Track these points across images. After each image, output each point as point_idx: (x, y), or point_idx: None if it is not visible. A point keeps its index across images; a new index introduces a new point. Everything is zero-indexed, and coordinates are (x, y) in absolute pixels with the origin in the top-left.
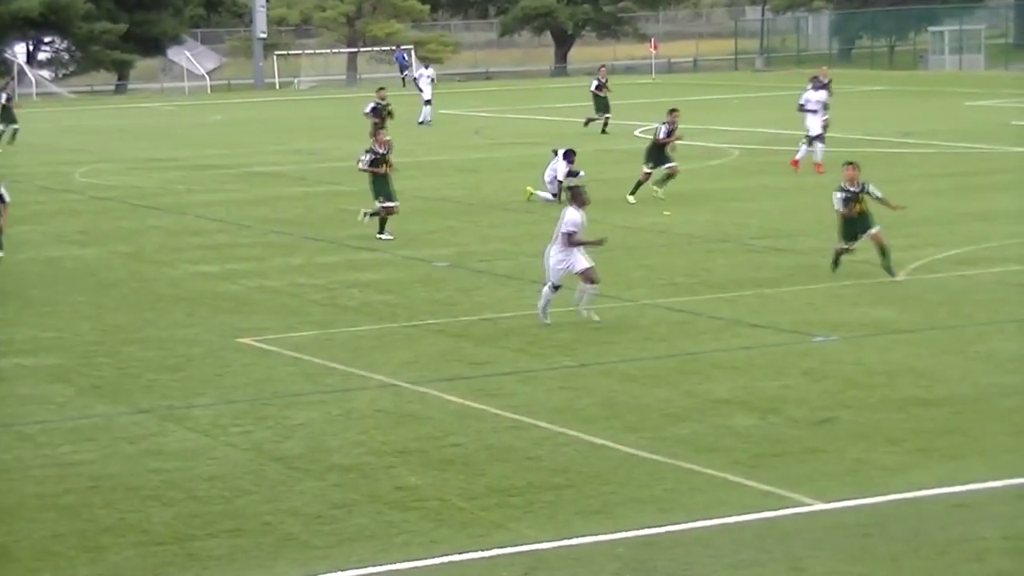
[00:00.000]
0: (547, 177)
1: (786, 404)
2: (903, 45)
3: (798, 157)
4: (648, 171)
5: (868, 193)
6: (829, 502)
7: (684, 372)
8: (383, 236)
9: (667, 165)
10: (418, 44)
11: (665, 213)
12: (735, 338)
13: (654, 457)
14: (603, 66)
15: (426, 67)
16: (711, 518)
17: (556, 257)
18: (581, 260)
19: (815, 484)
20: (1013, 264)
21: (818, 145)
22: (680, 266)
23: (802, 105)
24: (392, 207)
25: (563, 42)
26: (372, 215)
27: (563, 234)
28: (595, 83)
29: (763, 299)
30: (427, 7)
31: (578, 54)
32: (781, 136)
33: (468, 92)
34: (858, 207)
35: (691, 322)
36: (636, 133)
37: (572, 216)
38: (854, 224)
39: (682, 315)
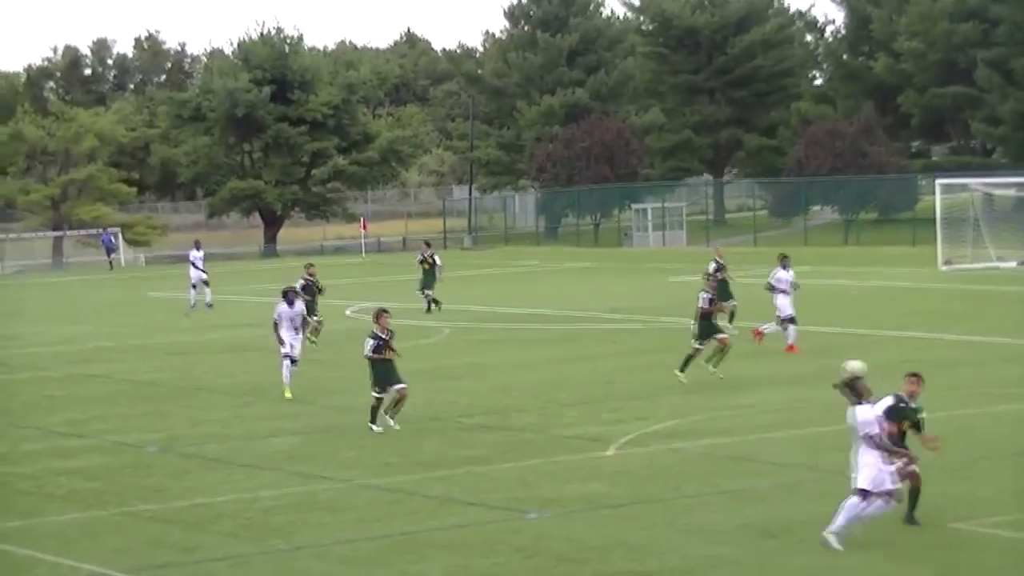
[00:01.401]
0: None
1: None
2: (608, 223)
3: (791, 341)
4: (698, 346)
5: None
6: None
7: (399, 552)
8: (375, 427)
9: (717, 336)
10: (125, 227)
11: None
12: (449, 516)
13: None
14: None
15: (197, 248)
16: None
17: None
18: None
19: None
20: (720, 436)
21: (791, 327)
22: (392, 446)
23: (772, 285)
24: (400, 389)
25: (272, 223)
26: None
27: None
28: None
29: (475, 477)
30: (134, 189)
31: (288, 234)
32: (490, 314)
33: (177, 274)
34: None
35: (405, 501)
36: (347, 313)
37: None
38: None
39: (396, 495)
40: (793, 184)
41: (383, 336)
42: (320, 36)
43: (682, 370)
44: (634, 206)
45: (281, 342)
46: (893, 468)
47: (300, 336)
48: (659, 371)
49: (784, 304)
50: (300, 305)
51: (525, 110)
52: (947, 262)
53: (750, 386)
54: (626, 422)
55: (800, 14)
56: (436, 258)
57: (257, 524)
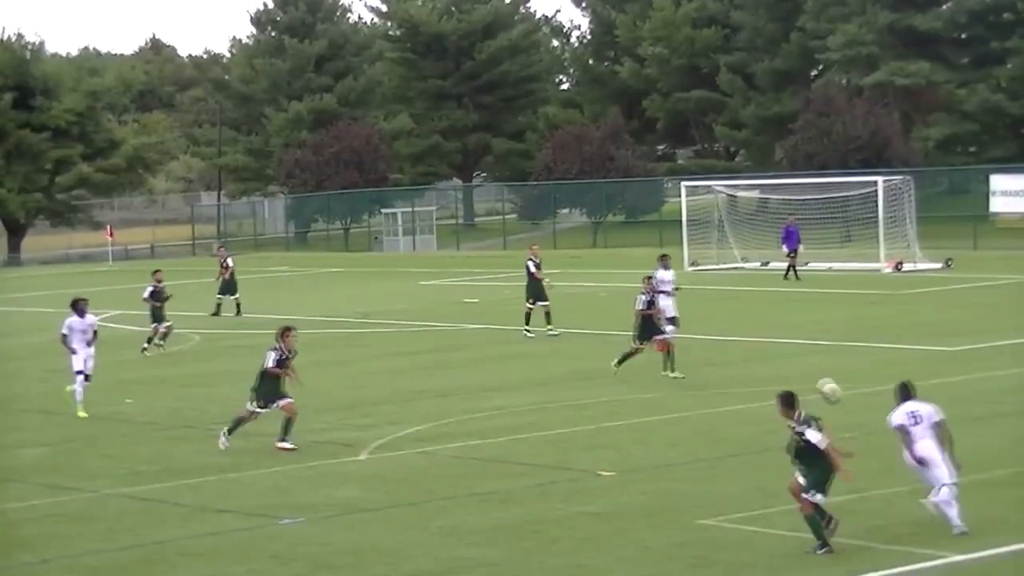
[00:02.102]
0: None
1: None
2: (358, 227)
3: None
4: (637, 346)
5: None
6: None
7: (150, 562)
8: (225, 440)
9: (657, 338)
10: None
11: (127, 400)
12: (201, 524)
13: None
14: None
15: None
16: None
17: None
18: None
19: None
20: (471, 439)
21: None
22: (142, 454)
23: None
24: (286, 405)
25: (16, 231)
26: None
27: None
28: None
29: (228, 484)
30: None
31: (32, 243)
32: (241, 320)
33: None
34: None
35: (156, 510)
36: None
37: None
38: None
39: (146, 503)
40: (541, 188)
41: (286, 354)
42: (63, 43)
43: (619, 364)
44: (384, 211)
45: (73, 352)
46: None
47: (92, 350)
48: (412, 375)
49: (667, 306)
50: (92, 317)
51: (273, 116)
52: (693, 263)
53: (500, 388)
54: (379, 427)
55: (546, 19)
56: (230, 261)
57: (2, 538)
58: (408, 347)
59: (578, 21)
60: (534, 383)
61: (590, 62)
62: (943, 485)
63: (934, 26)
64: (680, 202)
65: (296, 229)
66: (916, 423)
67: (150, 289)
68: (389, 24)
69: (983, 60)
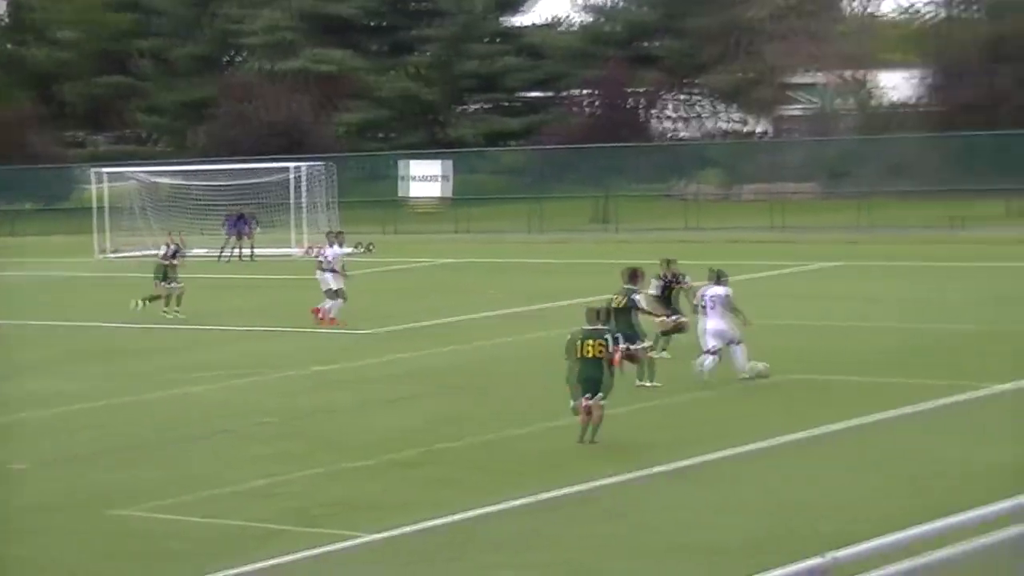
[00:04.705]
0: None
1: None
2: None
3: (332, 315)
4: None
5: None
6: None
7: None
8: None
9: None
10: None
11: None
12: None
13: None
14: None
15: None
16: None
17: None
18: None
19: None
20: None
21: (339, 301)
22: None
23: (320, 263)
24: None
25: None
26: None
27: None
28: None
29: None
30: None
31: None
32: None
33: None
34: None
35: None
36: None
37: None
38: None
39: None
40: None
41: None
42: None
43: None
44: None
45: None
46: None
47: None
48: None
49: (332, 279)
50: None
51: None
52: (112, 250)
53: None
54: None
55: None
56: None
57: None
58: None
59: None
60: None
61: (8, 46)
62: (713, 354)
63: (351, 13)
64: (95, 189)
65: None
66: (712, 306)
67: (173, 248)
68: None
69: (398, 48)
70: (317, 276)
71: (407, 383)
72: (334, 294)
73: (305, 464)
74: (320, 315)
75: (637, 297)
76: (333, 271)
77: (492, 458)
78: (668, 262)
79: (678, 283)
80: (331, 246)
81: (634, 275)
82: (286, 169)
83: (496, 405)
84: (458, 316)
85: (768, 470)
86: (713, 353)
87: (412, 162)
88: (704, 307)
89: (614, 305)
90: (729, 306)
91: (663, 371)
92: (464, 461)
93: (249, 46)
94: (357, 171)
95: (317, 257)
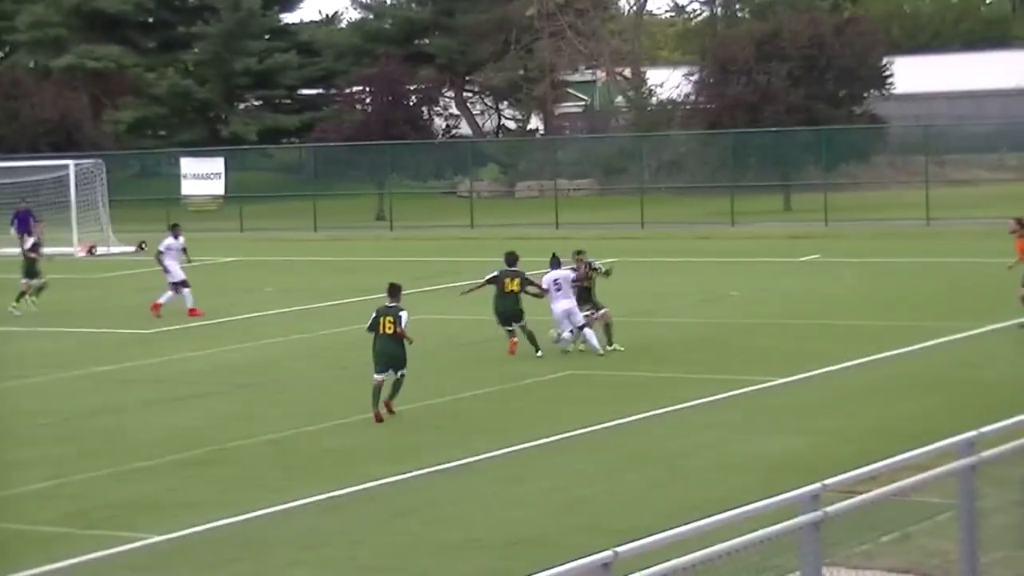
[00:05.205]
0: None
1: None
2: None
3: (190, 305)
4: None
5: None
6: None
7: None
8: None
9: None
10: None
11: None
12: None
13: None
14: None
15: None
16: None
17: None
18: None
19: None
20: None
21: (185, 290)
22: None
23: (162, 251)
24: None
25: None
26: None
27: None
28: None
29: None
30: None
31: None
32: None
33: None
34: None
35: None
36: None
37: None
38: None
39: None
40: None
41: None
42: None
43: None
44: None
45: None
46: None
47: None
48: None
49: (175, 269)
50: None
51: None
52: None
53: None
54: None
55: None
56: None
57: None
58: None
59: None
60: None
61: None
62: (572, 329)
63: (122, 9)
64: None
65: None
66: (559, 289)
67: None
68: None
69: (170, 44)
70: (164, 268)
71: (196, 382)
72: (179, 285)
73: (87, 466)
74: (158, 311)
75: (528, 275)
76: (174, 261)
77: (284, 456)
78: (579, 253)
79: (593, 270)
80: (175, 238)
81: (513, 257)
82: (64, 167)
83: (287, 403)
84: (242, 315)
85: (558, 465)
86: (571, 333)
87: (185, 160)
88: (553, 290)
89: (506, 290)
90: (571, 285)
91: (484, 366)
92: (255, 459)
93: (16, 42)
94: (134, 169)
95: (161, 248)
